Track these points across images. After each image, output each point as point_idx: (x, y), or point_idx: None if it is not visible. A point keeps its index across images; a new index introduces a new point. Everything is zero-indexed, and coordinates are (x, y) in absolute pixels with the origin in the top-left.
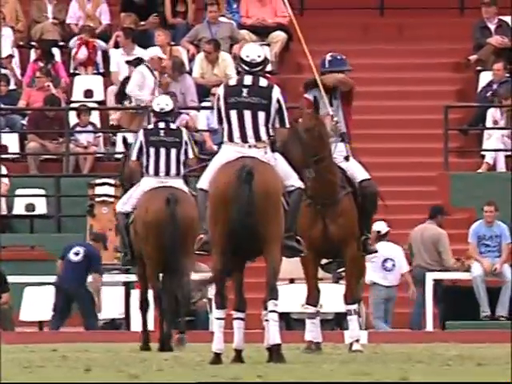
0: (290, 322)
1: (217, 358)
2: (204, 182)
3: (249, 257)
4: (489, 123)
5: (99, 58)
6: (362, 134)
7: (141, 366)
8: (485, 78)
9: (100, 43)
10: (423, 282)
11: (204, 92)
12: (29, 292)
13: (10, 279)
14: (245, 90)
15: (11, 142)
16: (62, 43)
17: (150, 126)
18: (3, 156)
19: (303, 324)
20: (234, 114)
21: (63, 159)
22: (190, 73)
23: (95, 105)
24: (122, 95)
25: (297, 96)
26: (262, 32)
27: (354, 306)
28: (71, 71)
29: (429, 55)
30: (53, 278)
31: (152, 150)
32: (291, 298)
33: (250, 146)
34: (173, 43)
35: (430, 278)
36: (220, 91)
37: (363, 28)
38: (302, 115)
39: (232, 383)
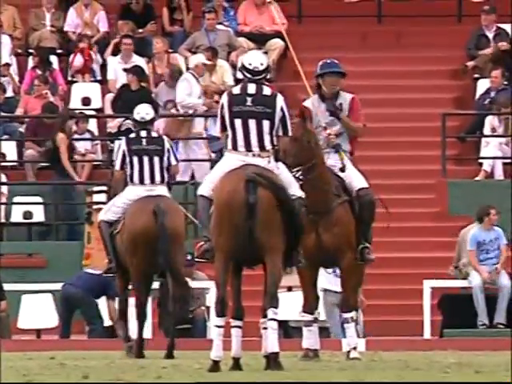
0: (288, 330)
1: (215, 366)
2: (205, 189)
3: (249, 264)
4: (487, 131)
5: (96, 66)
6: (359, 142)
7: (138, 373)
8: (482, 85)
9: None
10: None
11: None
12: (26, 300)
13: (8, 287)
14: (249, 99)
15: (9, 149)
16: (59, 51)
17: (132, 135)
18: (1, 164)
19: (301, 332)
20: (238, 122)
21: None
22: None
23: (93, 112)
24: (117, 102)
25: (295, 103)
26: (259, 39)
27: (351, 314)
28: (69, 78)
29: (426, 63)
30: (50, 286)
31: (135, 159)
32: (289, 305)
33: (254, 155)
34: (170, 51)
35: (428, 285)
36: (224, 99)
37: (361, 36)
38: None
39: None
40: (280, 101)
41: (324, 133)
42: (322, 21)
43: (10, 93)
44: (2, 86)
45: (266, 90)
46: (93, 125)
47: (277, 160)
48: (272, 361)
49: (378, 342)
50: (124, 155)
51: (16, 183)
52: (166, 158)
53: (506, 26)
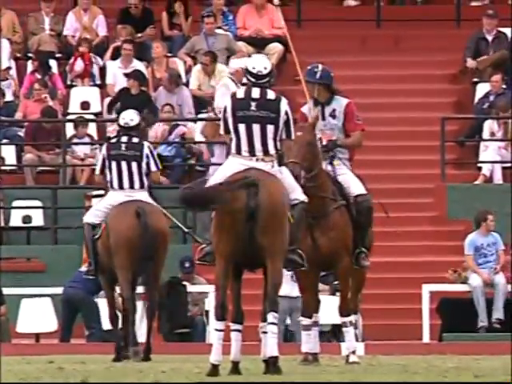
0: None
1: (214, 370)
2: None
3: (249, 268)
4: (486, 135)
5: (96, 70)
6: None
7: (137, 377)
8: (481, 89)
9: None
10: None
11: (201, 104)
12: (25, 304)
13: (7, 291)
14: (253, 104)
15: (8, 153)
16: (58, 55)
17: (113, 141)
18: (1, 168)
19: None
20: (242, 127)
21: (60, 171)
22: (186, 85)
23: (92, 116)
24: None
25: (294, 107)
26: (258, 43)
27: (350, 318)
28: (68, 83)
29: (425, 67)
30: (49, 290)
31: (114, 164)
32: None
33: (257, 160)
34: (169, 55)
35: (427, 289)
36: (227, 103)
37: (360, 40)
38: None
39: None
40: (284, 105)
41: (324, 138)
42: (321, 25)
43: (9, 97)
44: (1, 91)
45: (270, 94)
46: (92, 129)
47: (280, 164)
48: (271, 365)
49: (376, 346)
50: (104, 160)
51: (15, 187)
52: (144, 164)
53: (506, 30)
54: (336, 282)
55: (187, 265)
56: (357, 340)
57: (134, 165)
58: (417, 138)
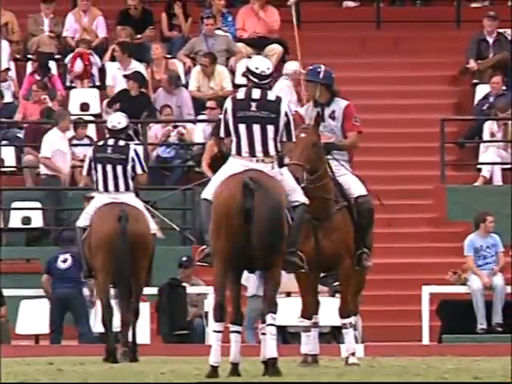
0: (287, 336)
1: (213, 371)
2: (208, 193)
3: (248, 269)
4: (485, 136)
5: (95, 71)
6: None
7: (136, 379)
8: (481, 91)
9: (96, 56)
10: None
11: (200, 105)
12: (25, 305)
13: (6, 292)
14: (253, 104)
15: (7, 155)
16: (58, 56)
17: (100, 143)
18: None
19: (299, 337)
20: (242, 128)
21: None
22: (186, 86)
23: (91, 118)
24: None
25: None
26: (258, 45)
27: (350, 320)
28: (67, 84)
29: (425, 68)
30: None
31: (99, 167)
32: (288, 311)
33: (257, 161)
34: (169, 56)
35: (426, 291)
36: (228, 104)
37: (360, 41)
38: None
39: None
40: (284, 106)
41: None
42: (320, 26)
43: (8, 98)
44: (0, 92)
45: (271, 95)
46: (91, 130)
47: (281, 166)
48: (270, 366)
49: (376, 347)
50: (90, 162)
51: (15, 188)
52: (129, 167)
53: (507, 31)
54: (335, 284)
55: (184, 259)
56: (356, 341)
57: (119, 168)
58: (417, 139)
